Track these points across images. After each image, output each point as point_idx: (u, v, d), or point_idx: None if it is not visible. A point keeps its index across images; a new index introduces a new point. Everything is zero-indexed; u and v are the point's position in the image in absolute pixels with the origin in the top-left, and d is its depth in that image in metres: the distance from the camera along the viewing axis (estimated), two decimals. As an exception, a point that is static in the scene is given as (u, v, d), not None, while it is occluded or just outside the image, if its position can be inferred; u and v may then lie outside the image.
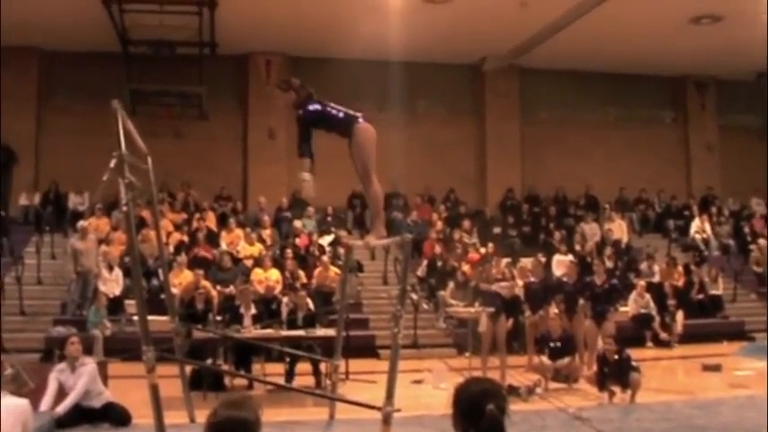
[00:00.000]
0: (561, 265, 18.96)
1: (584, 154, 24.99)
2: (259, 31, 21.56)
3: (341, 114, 7.25)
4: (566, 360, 13.26)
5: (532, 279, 16.13)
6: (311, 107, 7.27)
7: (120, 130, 6.14)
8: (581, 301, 14.91)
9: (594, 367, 12.67)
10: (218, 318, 15.70)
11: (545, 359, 13.25)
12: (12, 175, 21.85)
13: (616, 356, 11.92)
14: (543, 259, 19.12)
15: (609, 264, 19.32)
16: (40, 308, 17.81)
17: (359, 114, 7.24)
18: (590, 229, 22.55)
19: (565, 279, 15.95)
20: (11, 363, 6.51)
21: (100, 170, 6.67)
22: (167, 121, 22.22)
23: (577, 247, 21.33)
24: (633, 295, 18.44)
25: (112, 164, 5.98)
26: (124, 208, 6.12)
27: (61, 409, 9.61)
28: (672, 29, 21.13)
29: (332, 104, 7.29)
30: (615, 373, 11.86)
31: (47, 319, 17.29)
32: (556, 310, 15.29)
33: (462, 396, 3.30)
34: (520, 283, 16.09)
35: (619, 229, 22.75)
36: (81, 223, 18.56)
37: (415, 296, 17.65)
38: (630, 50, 22.68)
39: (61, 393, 9.87)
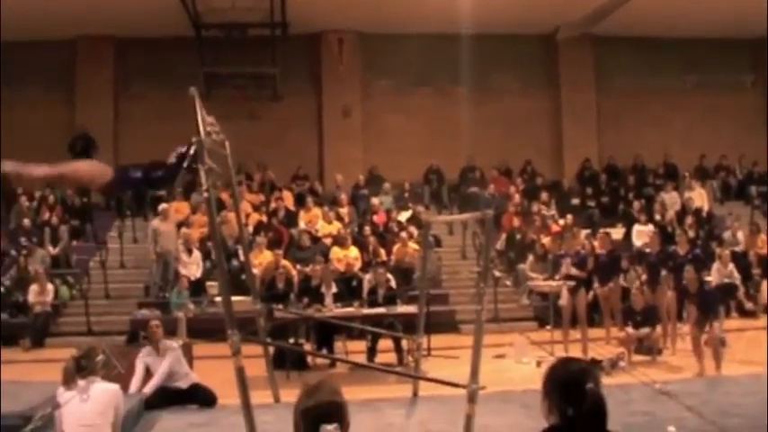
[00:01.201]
0: (642, 235, 18.68)
1: (662, 122, 24.50)
2: (330, 9, 21.48)
3: None
4: (648, 330, 13.11)
5: (601, 251, 15.73)
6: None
7: (199, 117, 6.20)
8: (663, 272, 14.66)
9: (679, 340, 12.55)
10: (300, 297, 15.83)
11: (629, 329, 13.09)
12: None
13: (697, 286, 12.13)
14: (611, 230, 18.79)
15: (690, 233, 18.95)
16: (125, 291, 18.26)
17: None
18: (670, 199, 22.14)
19: (647, 249, 15.71)
20: (102, 348, 6.63)
21: (177, 154, 6.74)
22: (242, 103, 22.25)
23: (657, 217, 20.95)
24: (716, 265, 18.02)
25: (192, 150, 6.05)
26: (205, 194, 6.20)
27: (147, 389, 9.81)
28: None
29: None
30: (699, 303, 11.93)
31: (131, 301, 17.70)
32: (638, 282, 15.10)
33: (558, 376, 3.20)
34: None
35: (699, 197, 22.28)
36: (163, 206, 18.86)
37: (497, 273, 17.54)
38: (707, 13, 22.04)
39: (148, 376, 10.07)
